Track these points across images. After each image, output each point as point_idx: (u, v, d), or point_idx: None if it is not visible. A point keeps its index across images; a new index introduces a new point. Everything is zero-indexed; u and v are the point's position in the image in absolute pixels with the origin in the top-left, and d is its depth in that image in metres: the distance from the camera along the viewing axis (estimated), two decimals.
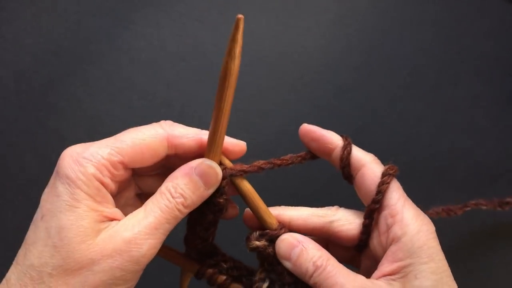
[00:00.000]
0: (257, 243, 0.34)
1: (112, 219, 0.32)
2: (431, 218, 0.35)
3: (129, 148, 0.33)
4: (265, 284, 0.35)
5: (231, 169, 0.34)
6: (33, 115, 0.56)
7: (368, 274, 0.34)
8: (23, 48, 0.59)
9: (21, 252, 0.31)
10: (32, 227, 0.32)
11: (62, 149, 0.55)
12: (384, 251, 0.34)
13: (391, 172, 0.34)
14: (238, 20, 0.28)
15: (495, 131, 0.59)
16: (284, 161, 0.36)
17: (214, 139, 0.33)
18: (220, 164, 0.34)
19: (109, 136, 0.60)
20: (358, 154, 0.36)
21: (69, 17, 0.60)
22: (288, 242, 0.34)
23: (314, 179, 0.52)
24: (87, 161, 0.32)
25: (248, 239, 0.35)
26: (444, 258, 0.33)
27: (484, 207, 0.51)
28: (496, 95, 0.60)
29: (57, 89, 0.57)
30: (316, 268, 0.32)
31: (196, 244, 0.36)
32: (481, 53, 0.61)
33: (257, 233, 0.35)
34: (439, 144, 0.58)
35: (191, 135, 0.35)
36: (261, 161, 0.35)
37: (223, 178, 0.34)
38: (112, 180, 0.33)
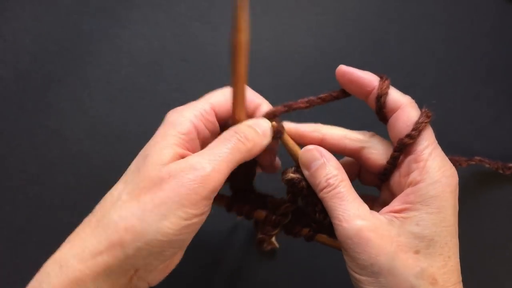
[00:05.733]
0: (292, 175, 0.37)
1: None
2: None
3: (216, 99, 0.37)
4: (287, 219, 0.40)
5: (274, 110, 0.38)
6: (33, 115, 0.56)
7: (383, 205, 0.36)
8: (23, 48, 0.59)
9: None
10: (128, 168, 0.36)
11: (62, 149, 0.56)
12: (401, 191, 0.35)
13: (429, 115, 0.35)
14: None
15: (495, 131, 0.59)
16: (320, 100, 0.39)
17: (236, 110, 0.36)
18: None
19: (109, 136, 0.61)
20: (395, 95, 0.36)
21: (69, 17, 0.60)
22: (312, 153, 0.36)
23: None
24: (185, 108, 0.36)
25: (284, 172, 0.38)
26: (455, 215, 0.33)
27: (487, 165, 0.53)
28: (496, 95, 0.60)
29: (57, 89, 0.57)
30: (328, 185, 0.35)
31: (238, 182, 0.40)
32: (481, 53, 0.61)
33: (293, 168, 0.38)
34: (439, 143, 0.58)
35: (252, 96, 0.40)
36: (299, 100, 0.39)
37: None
38: (205, 126, 0.36)
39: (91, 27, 0.60)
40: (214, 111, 0.37)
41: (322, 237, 0.40)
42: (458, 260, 0.34)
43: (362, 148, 0.38)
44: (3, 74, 0.58)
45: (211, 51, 0.60)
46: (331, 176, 0.35)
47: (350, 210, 0.33)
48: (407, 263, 0.32)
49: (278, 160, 0.43)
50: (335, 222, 0.34)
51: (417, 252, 0.32)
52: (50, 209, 0.54)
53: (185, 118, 0.35)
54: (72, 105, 0.57)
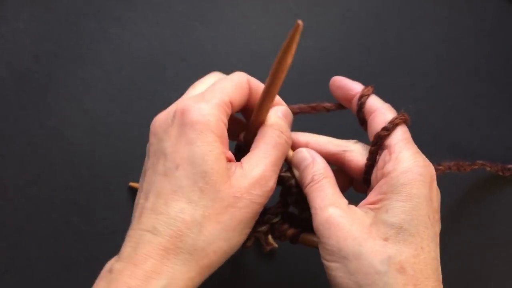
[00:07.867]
0: (283, 174, 0.39)
1: (231, 161, 0.35)
2: (443, 172, 0.38)
3: (230, 88, 0.36)
4: (276, 219, 0.41)
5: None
6: (33, 115, 0.56)
7: None
8: (23, 48, 0.59)
9: (157, 204, 0.32)
10: (163, 178, 0.33)
11: (62, 149, 0.56)
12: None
13: (405, 115, 0.36)
14: (298, 25, 0.30)
15: (496, 131, 0.59)
16: (314, 108, 0.41)
17: (264, 107, 0.37)
18: None
19: (109, 136, 0.61)
20: (374, 100, 0.38)
21: (69, 17, 0.60)
22: (303, 154, 0.38)
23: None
24: (209, 104, 0.34)
25: None
26: (429, 206, 0.33)
27: (488, 169, 0.53)
28: (496, 95, 0.60)
29: (57, 89, 0.57)
30: (312, 180, 0.36)
31: None
32: (481, 53, 0.61)
33: (284, 168, 0.40)
34: (439, 144, 0.58)
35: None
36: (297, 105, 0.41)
37: None
38: (227, 120, 0.36)
39: (91, 27, 0.60)
40: (231, 101, 0.36)
41: (306, 238, 0.40)
42: (436, 255, 0.33)
43: (345, 151, 0.39)
44: (3, 74, 0.58)
45: (211, 51, 0.60)
46: (316, 173, 0.36)
47: (326, 200, 0.34)
48: (374, 249, 0.31)
49: None
50: (312, 212, 0.35)
51: (386, 239, 0.32)
52: (50, 209, 0.54)
53: (217, 119, 0.34)
54: (72, 105, 0.57)
